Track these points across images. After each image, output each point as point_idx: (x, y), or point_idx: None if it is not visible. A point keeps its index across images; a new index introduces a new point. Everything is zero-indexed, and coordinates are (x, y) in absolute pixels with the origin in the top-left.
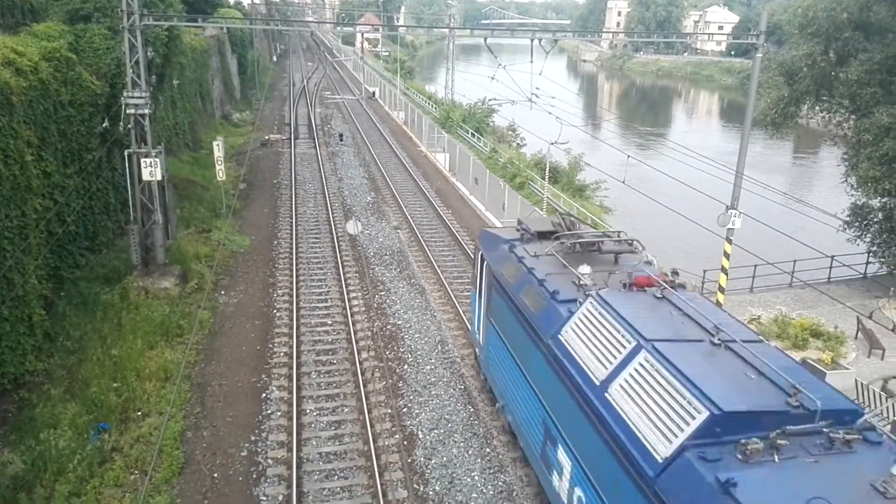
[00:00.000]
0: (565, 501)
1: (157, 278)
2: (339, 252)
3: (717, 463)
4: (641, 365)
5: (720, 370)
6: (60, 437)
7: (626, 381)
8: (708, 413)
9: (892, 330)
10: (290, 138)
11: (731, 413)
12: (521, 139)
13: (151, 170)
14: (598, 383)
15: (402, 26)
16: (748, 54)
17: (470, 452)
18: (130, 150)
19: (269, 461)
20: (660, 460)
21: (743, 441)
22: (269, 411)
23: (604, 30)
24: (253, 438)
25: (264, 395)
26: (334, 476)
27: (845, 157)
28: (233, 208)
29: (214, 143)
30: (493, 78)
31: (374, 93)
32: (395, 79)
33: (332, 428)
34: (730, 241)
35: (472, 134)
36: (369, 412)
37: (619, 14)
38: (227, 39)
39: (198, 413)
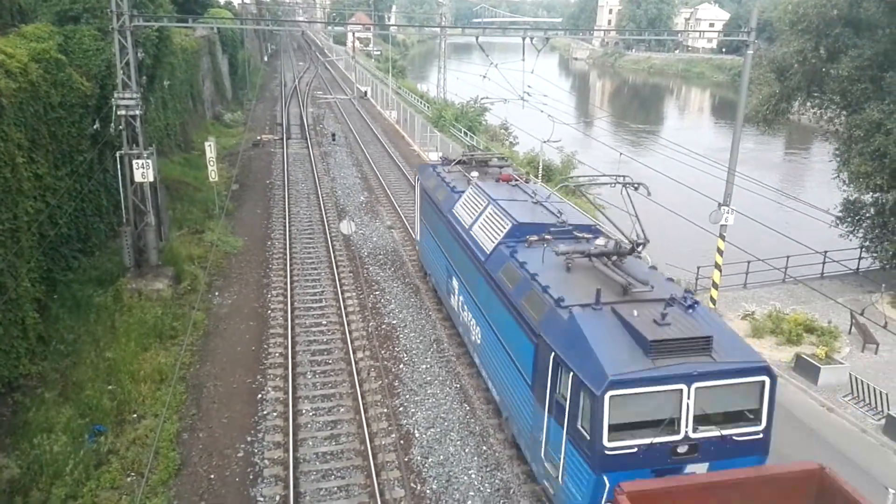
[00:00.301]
0: (456, 307)
1: (151, 280)
2: (333, 252)
3: (512, 247)
4: (489, 212)
5: (527, 210)
6: (56, 441)
7: (481, 222)
8: (511, 223)
9: (885, 326)
10: (282, 138)
11: (522, 223)
12: (514, 137)
13: (143, 171)
14: (468, 227)
15: (393, 25)
16: (739, 51)
17: (466, 451)
18: (122, 152)
19: (266, 462)
20: (487, 251)
21: (527, 237)
22: (264, 412)
23: (595, 28)
24: (249, 439)
25: (260, 395)
26: (331, 476)
27: (837, 152)
28: (225, 209)
29: (206, 144)
30: (485, 76)
31: (365, 92)
32: (386, 78)
33: (329, 428)
34: (723, 238)
35: (464, 133)
36: (365, 412)
37: (611, 12)
38: (217, 40)
39: (193, 414)
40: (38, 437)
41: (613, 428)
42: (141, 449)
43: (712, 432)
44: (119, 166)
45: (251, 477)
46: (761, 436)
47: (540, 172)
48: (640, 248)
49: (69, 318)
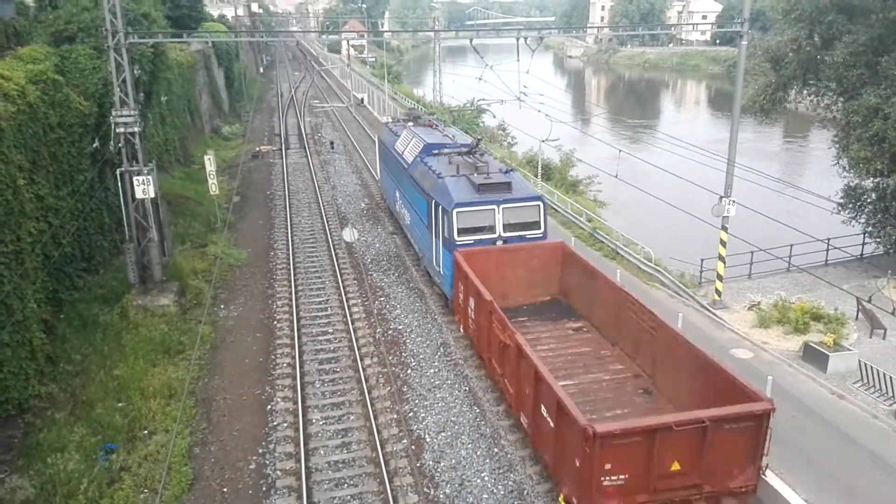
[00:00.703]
0: (398, 209)
1: (156, 296)
2: (337, 260)
3: (423, 157)
4: (413, 141)
5: (435, 138)
6: (69, 460)
7: (409, 147)
8: (423, 144)
9: (892, 312)
10: (280, 149)
11: (429, 143)
12: (512, 138)
13: (144, 187)
14: (401, 152)
15: (387, 31)
16: (733, 42)
17: (478, 453)
18: (122, 169)
19: (279, 473)
20: (410, 162)
21: (432, 151)
22: (275, 423)
23: (588, 25)
24: (261, 451)
25: (269, 406)
26: (344, 484)
27: (835, 139)
28: (227, 222)
29: (206, 158)
30: (480, 78)
31: (362, 99)
32: (382, 84)
33: (340, 436)
34: (725, 230)
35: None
36: (375, 418)
37: (603, 8)
38: (212, 53)
39: (204, 428)
40: (52, 458)
41: (459, 231)
42: (153, 465)
43: (514, 232)
44: (120, 183)
45: (264, 488)
46: (541, 236)
47: (539, 171)
48: (477, 146)
49: (76, 338)
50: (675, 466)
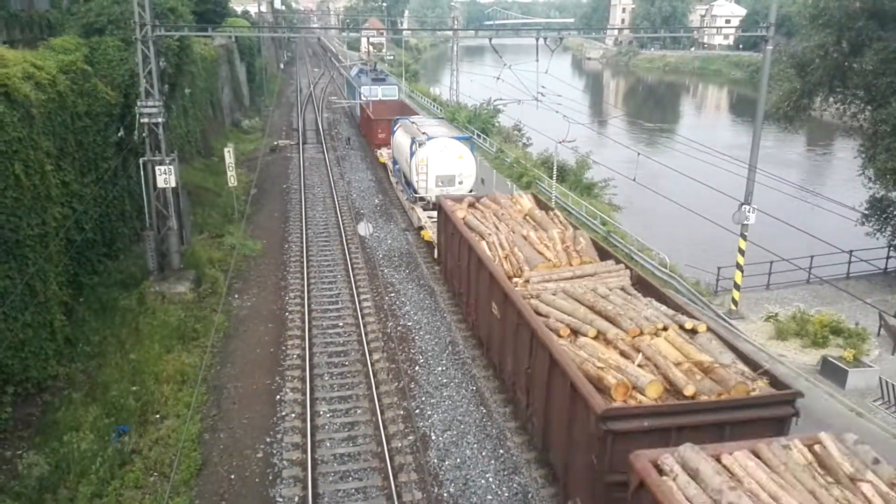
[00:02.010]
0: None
1: (173, 283)
2: (349, 254)
3: (359, 75)
4: (356, 72)
5: (365, 71)
6: (82, 440)
7: (354, 74)
8: (359, 69)
9: None
10: (298, 143)
11: (360, 70)
12: (528, 138)
13: (166, 177)
14: (353, 76)
15: (406, 30)
16: (757, 47)
17: (483, 454)
18: (145, 159)
19: (285, 462)
20: (353, 76)
21: (360, 74)
22: (283, 413)
23: (608, 27)
24: (268, 440)
25: (278, 397)
26: (349, 477)
27: (861, 149)
28: (244, 213)
29: (225, 150)
30: (498, 78)
31: None
32: (400, 82)
33: (346, 430)
34: (744, 237)
35: (477, 134)
36: (382, 413)
37: (624, 10)
38: (235, 48)
39: (214, 415)
40: (67, 436)
41: (365, 95)
42: (164, 449)
43: (380, 97)
44: (142, 172)
45: (270, 477)
46: (395, 97)
47: (554, 173)
48: (375, 68)
49: (95, 321)
50: None
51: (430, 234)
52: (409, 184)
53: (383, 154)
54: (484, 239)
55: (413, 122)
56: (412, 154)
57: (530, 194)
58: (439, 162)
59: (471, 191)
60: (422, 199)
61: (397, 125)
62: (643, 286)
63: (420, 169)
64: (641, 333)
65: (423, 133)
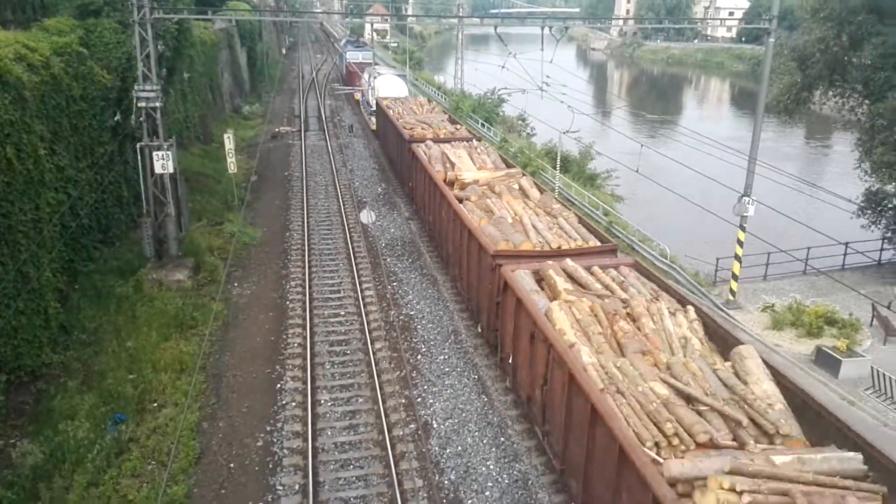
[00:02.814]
0: (342, 64)
1: (171, 270)
2: (351, 243)
3: (346, 46)
4: (344, 45)
5: (352, 44)
6: (78, 429)
7: (343, 45)
8: (345, 41)
9: None
10: (300, 130)
11: (348, 41)
12: (532, 128)
13: (163, 163)
14: (342, 45)
15: (410, 16)
16: (759, 40)
17: (484, 442)
18: (142, 144)
19: (285, 451)
20: (343, 46)
21: (347, 45)
22: (283, 402)
23: (613, 17)
24: (268, 429)
25: (279, 385)
26: (350, 465)
27: (859, 142)
28: (244, 201)
29: (225, 136)
30: (503, 67)
31: None
32: (404, 69)
33: (347, 418)
34: (743, 229)
35: (481, 124)
36: (384, 402)
37: (629, 1)
38: (236, 32)
39: (213, 404)
40: (62, 424)
41: (347, 58)
42: (161, 437)
43: (358, 60)
44: (139, 158)
45: (270, 466)
46: (371, 57)
47: (558, 164)
48: (359, 40)
49: (90, 308)
50: None
51: (373, 125)
52: (367, 103)
53: (357, 94)
54: (393, 112)
55: (374, 69)
56: (370, 85)
57: (425, 98)
58: (384, 86)
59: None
60: (373, 111)
61: (364, 71)
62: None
63: (373, 92)
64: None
65: (378, 73)
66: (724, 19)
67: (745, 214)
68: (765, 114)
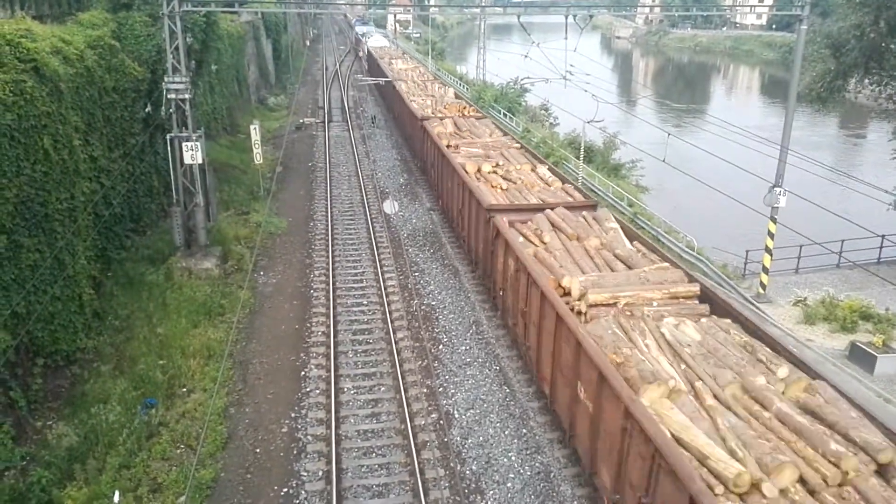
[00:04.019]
0: (357, 37)
1: (200, 259)
2: (374, 233)
3: (356, 24)
4: (356, 23)
5: (360, 21)
6: (110, 412)
7: (355, 23)
8: (356, 20)
9: None
10: (323, 122)
11: (357, 19)
12: (555, 118)
13: (192, 153)
14: (353, 25)
15: (433, 6)
16: (790, 28)
17: (506, 433)
18: (172, 135)
19: (309, 437)
20: (353, 24)
21: (357, 23)
22: (307, 389)
23: (639, 4)
24: (293, 415)
25: (303, 373)
26: (372, 453)
27: None
28: (270, 191)
29: (251, 127)
30: (526, 56)
31: None
32: (426, 60)
33: (370, 406)
34: (774, 221)
35: (504, 114)
36: (406, 391)
37: None
38: (262, 25)
39: (240, 390)
40: (95, 408)
41: (357, 29)
42: (190, 422)
43: (365, 30)
44: (169, 148)
45: (295, 452)
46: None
47: (581, 154)
48: (363, 19)
49: (123, 295)
50: None
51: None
52: (364, 53)
53: (360, 52)
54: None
55: (368, 34)
56: (364, 42)
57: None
58: (372, 41)
59: None
60: (366, 57)
61: (363, 36)
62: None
63: (365, 45)
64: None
65: (371, 34)
66: (755, 6)
67: (776, 205)
68: (797, 103)
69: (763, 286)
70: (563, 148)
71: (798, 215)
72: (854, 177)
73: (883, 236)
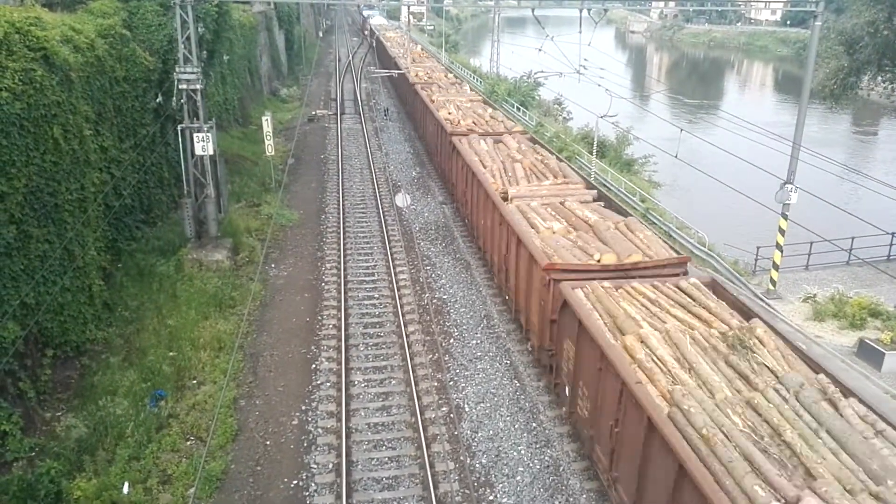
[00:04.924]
0: (365, 24)
1: (210, 251)
2: (386, 226)
3: (363, 9)
4: (364, 9)
5: (367, 6)
6: (119, 404)
7: (364, 9)
8: (363, 6)
9: None
10: (336, 114)
11: (365, 5)
12: (568, 112)
13: (203, 144)
14: (362, 10)
15: None
16: (804, 24)
17: (516, 427)
18: (183, 125)
19: (320, 430)
20: (362, 10)
21: (363, 8)
22: (318, 382)
23: None
24: (303, 408)
25: (314, 365)
26: (382, 446)
27: None
28: (282, 183)
29: (263, 119)
30: (540, 49)
31: None
32: (439, 53)
33: (381, 399)
34: (785, 217)
35: (517, 108)
36: (416, 384)
37: None
38: (274, 15)
39: (250, 382)
40: (104, 399)
41: (365, 16)
42: (200, 414)
43: (371, 14)
44: (180, 139)
45: (305, 444)
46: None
47: (594, 148)
48: (370, 5)
49: (133, 286)
50: None
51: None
52: (368, 31)
53: (364, 31)
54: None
55: (371, 16)
56: (368, 23)
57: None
58: (374, 21)
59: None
60: (370, 35)
61: (368, 17)
62: None
63: (368, 25)
64: None
65: (373, 16)
66: (770, 1)
67: (787, 202)
68: (809, 100)
69: (773, 283)
70: (575, 142)
71: (809, 212)
72: (866, 174)
73: (893, 234)
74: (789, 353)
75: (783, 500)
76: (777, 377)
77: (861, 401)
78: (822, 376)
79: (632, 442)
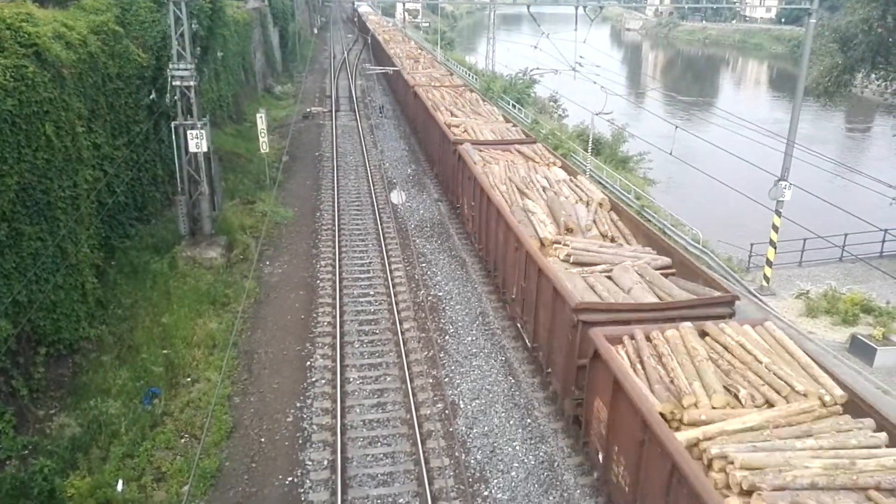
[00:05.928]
0: (361, 20)
1: (204, 248)
2: (381, 224)
3: (356, 3)
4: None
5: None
6: (113, 402)
7: (359, 6)
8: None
9: None
10: (331, 111)
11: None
12: (563, 110)
13: (197, 141)
14: (357, 7)
15: None
16: (799, 21)
17: (511, 423)
18: (177, 122)
19: (315, 427)
20: (355, 4)
21: (356, 3)
22: (313, 379)
23: None
24: (298, 405)
25: (309, 363)
26: (377, 443)
27: None
28: (276, 180)
29: (257, 116)
30: (535, 47)
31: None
32: (435, 50)
33: (375, 396)
34: (779, 214)
35: (512, 105)
36: (411, 381)
37: None
38: (268, 12)
39: (245, 379)
40: (97, 398)
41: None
42: (194, 411)
43: (364, 6)
44: (174, 137)
45: (300, 441)
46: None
47: (590, 146)
48: None
49: (126, 284)
50: None
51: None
52: (360, 21)
53: (354, 19)
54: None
55: (361, 6)
56: (358, 11)
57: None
58: (362, 9)
59: None
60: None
61: (359, 8)
62: None
63: (358, 14)
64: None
65: (361, 5)
66: None
67: (781, 199)
68: (804, 97)
69: (767, 279)
70: (571, 140)
71: (803, 209)
72: (859, 171)
73: (885, 230)
74: None
75: None
76: None
77: None
78: None
79: None
